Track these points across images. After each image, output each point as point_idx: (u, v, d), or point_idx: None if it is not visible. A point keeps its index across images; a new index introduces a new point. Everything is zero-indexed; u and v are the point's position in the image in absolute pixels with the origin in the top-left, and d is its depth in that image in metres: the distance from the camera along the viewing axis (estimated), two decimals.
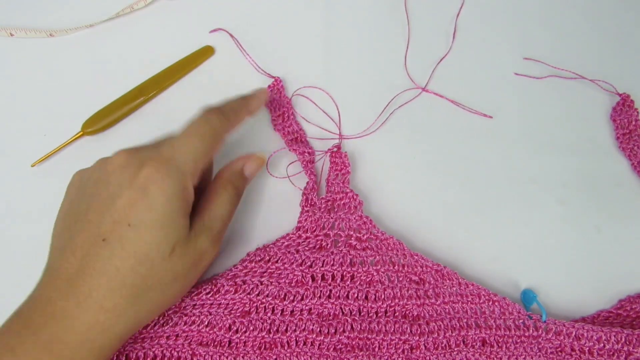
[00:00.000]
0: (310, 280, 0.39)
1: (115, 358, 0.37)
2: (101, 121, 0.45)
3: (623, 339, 0.38)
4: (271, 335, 0.38)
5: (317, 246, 0.40)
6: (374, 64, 0.49)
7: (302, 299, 0.39)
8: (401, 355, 0.38)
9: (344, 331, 0.38)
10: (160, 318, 0.39)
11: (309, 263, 0.39)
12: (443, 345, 0.39)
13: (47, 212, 0.41)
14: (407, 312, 0.39)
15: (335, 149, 0.43)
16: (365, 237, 0.40)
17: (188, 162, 0.34)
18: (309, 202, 0.41)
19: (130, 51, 0.49)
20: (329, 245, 0.40)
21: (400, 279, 0.40)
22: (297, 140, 0.45)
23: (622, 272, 0.44)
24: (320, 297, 0.39)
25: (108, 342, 0.33)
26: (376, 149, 0.45)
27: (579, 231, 0.44)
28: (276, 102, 0.47)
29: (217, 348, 0.38)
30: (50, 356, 0.31)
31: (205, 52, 0.49)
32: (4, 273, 0.41)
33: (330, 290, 0.39)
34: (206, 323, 0.39)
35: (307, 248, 0.40)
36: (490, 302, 0.39)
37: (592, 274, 0.43)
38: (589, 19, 0.52)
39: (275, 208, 0.43)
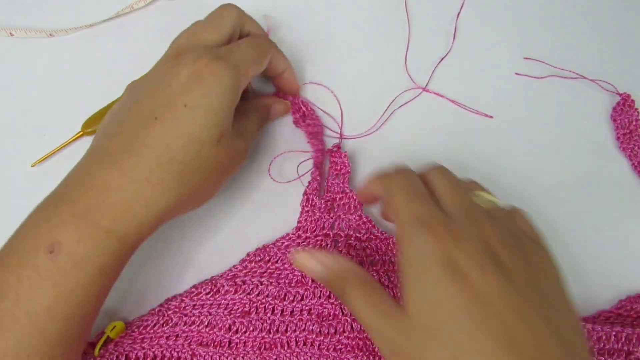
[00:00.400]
0: (310, 280, 0.39)
1: (115, 358, 0.38)
2: (101, 121, 0.45)
3: (623, 339, 0.38)
4: (271, 336, 0.38)
5: (317, 246, 0.40)
6: (374, 64, 0.49)
7: (302, 299, 0.39)
8: None
9: (343, 331, 0.38)
10: (160, 318, 0.39)
11: None
12: None
13: None
14: None
15: (335, 149, 0.43)
16: (365, 237, 0.40)
17: (242, 63, 0.36)
18: (310, 202, 0.41)
19: (130, 51, 0.49)
20: (329, 245, 0.40)
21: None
22: (316, 135, 0.44)
23: (622, 272, 0.44)
24: (320, 297, 0.39)
25: (149, 218, 0.33)
26: (376, 149, 0.45)
27: (579, 231, 0.44)
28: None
29: (217, 348, 0.38)
30: (87, 225, 0.31)
31: None
32: None
33: (330, 291, 0.39)
34: (206, 323, 0.39)
35: (307, 248, 0.40)
36: None
37: (593, 274, 0.43)
38: (589, 19, 0.52)
39: (275, 208, 0.43)
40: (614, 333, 0.38)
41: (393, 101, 0.47)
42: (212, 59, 0.34)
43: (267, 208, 0.43)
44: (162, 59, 0.38)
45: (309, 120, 0.44)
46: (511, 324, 0.26)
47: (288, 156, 0.44)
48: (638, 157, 0.46)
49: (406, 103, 0.47)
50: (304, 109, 0.45)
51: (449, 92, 0.48)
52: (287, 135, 0.46)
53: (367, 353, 0.38)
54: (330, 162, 0.43)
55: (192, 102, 0.33)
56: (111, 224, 0.32)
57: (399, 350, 0.28)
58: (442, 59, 0.49)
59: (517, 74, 0.49)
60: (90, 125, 0.45)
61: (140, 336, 0.38)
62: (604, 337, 0.38)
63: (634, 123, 0.47)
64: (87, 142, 0.45)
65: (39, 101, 0.47)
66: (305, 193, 0.41)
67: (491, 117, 0.47)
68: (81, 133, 0.45)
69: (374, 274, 0.40)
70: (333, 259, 0.33)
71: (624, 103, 0.47)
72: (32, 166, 0.44)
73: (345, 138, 0.45)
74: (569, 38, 0.51)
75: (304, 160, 0.44)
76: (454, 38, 0.50)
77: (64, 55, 0.49)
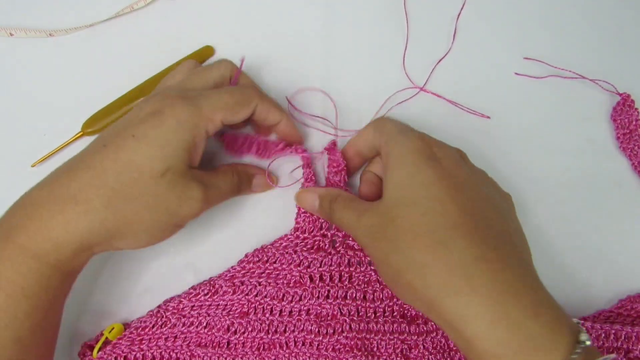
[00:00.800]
0: (309, 280, 0.39)
1: (115, 357, 0.38)
2: (101, 121, 0.45)
3: (622, 337, 0.38)
4: (270, 336, 0.38)
5: (315, 247, 0.40)
6: (373, 63, 0.49)
7: (300, 300, 0.39)
8: (399, 355, 0.38)
9: (342, 331, 0.38)
10: (158, 319, 0.39)
11: (306, 263, 0.39)
12: (441, 344, 0.39)
13: None
14: (405, 312, 0.39)
15: (331, 146, 0.43)
16: None
17: (209, 106, 0.35)
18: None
19: (130, 51, 0.49)
20: (327, 245, 0.40)
21: None
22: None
23: (622, 272, 0.43)
24: (318, 297, 0.39)
25: (68, 238, 0.31)
26: None
27: (579, 231, 0.44)
28: None
29: (216, 349, 0.38)
30: (6, 243, 0.31)
31: (205, 52, 0.48)
32: None
33: (329, 291, 0.39)
34: (204, 324, 0.39)
35: (304, 249, 0.40)
36: None
37: (593, 274, 0.43)
38: (589, 19, 0.52)
39: (274, 210, 0.43)
40: (613, 331, 0.38)
41: (389, 98, 0.47)
42: (177, 98, 0.34)
43: (266, 210, 0.43)
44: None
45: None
46: (475, 203, 0.32)
47: (286, 159, 0.44)
48: (638, 157, 0.46)
49: (403, 101, 0.47)
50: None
51: (448, 92, 0.48)
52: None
53: (365, 353, 0.38)
54: (328, 159, 0.43)
55: (141, 133, 0.33)
56: (27, 241, 0.31)
57: (378, 230, 0.33)
58: (440, 59, 0.49)
59: (517, 74, 0.49)
60: (90, 125, 0.45)
61: (139, 337, 0.38)
62: (603, 336, 0.38)
63: (634, 123, 0.46)
64: (87, 142, 0.45)
65: (39, 101, 0.47)
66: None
67: (488, 117, 0.47)
68: (81, 133, 0.45)
69: (372, 273, 0.40)
70: (324, 189, 0.39)
71: (623, 103, 0.47)
72: (32, 166, 0.44)
73: (342, 137, 0.45)
74: (569, 38, 0.51)
75: (297, 168, 0.44)
76: (453, 39, 0.50)
77: (64, 55, 0.49)
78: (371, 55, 0.49)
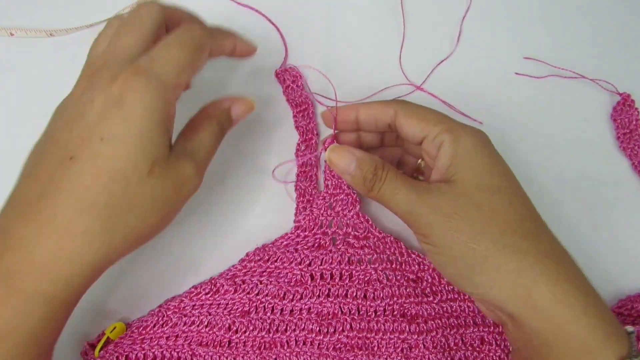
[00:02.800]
0: (310, 279, 0.39)
1: (115, 359, 0.38)
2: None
3: None
4: (271, 335, 0.38)
5: (316, 245, 0.40)
6: (373, 60, 0.49)
7: (301, 298, 0.39)
8: (400, 354, 0.38)
9: (343, 330, 0.38)
10: (160, 319, 0.39)
11: (307, 262, 0.40)
12: (442, 344, 0.39)
13: None
14: (405, 311, 0.39)
15: (329, 141, 0.43)
16: (362, 235, 0.40)
17: (169, 72, 0.30)
18: (306, 199, 0.41)
19: None
20: (327, 243, 0.40)
21: (398, 277, 0.40)
22: (310, 140, 0.45)
23: (622, 272, 0.44)
24: (319, 296, 0.39)
25: (78, 272, 0.29)
26: None
27: (578, 231, 0.44)
28: (297, 97, 0.46)
29: (217, 348, 0.38)
30: (7, 289, 0.28)
31: None
32: None
33: (329, 289, 0.39)
34: (206, 323, 0.39)
35: (305, 247, 0.40)
36: None
37: (593, 274, 0.43)
38: (589, 20, 0.52)
39: (274, 209, 0.43)
40: None
41: (381, 91, 0.47)
42: (130, 76, 0.29)
43: (266, 209, 0.44)
44: (79, 76, 0.33)
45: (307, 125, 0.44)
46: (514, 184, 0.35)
47: (284, 156, 0.44)
48: (638, 157, 0.46)
49: (399, 97, 0.47)
50: (288, 82, 0.45)
51: (447, 93, 0.48)
52: (285, 136, 0.46)
53: (366, 352, 0.38)
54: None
55: (110, 133, 0.28)
56: (33, 286, 0.28)
57: (455, 212, 0.32)
58: (442, 60, 0.49)
59: (517, 73, 0.49)
60: None
61: (140, 337, 0.38)
62: None
63: (634, 123, 0.47)
64: None
65: (39, 101, 0.47)
66: (296, 191, 0.42)
67: (481, 122, 0.46)
68: None
69: (372, 272, 0.40)
70: (365, 152, 0.36)
71: (624, 103, 0.47)
72: None
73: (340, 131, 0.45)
74: (569, 38, 0.51)
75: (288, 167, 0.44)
76: (458, 40, 0.50)
77: (64, 55, 0.48)
78: (371, 52, 0.49)
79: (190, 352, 0.38)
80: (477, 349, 0.39)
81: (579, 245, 0.43)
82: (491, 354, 0.39)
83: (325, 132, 0.46)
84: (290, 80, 0.46)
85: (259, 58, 0.47)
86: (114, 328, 0.39)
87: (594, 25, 0.51)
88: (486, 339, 0.39)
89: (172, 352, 0.39)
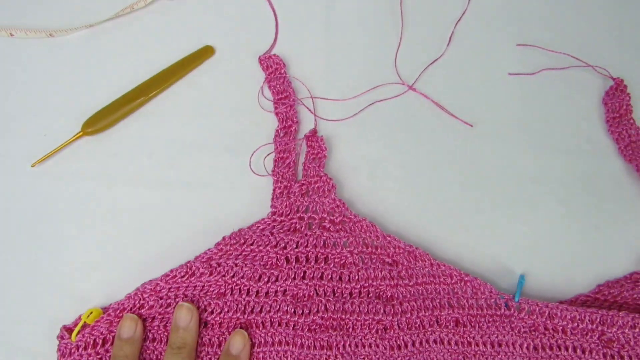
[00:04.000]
0: (285, 261, 0.40)
1: (92, 342, 0.38)
2: (101, 121, 0.45)
3: (597, 319, 0.39)
4: (246, 316, 0.39)
5: (292, 229, 0.41)
6: (367, 57, 0.50)
7: (276, 280, 0.40)
8: (375, 335, 0.38)
9: (317, 312, 0.39)
10: (136, 301, 0.39)
11: (283, 245, 0.40)
12: (417, 325, 0.39)
13: (46, 212, 0.43)
14: (380, 293, 0.40)
15: (311, 134, 0.44)
16: (338, 219, 0.41)
17: None
18: (282, 186, 0.42)
19: (130, 51, 0.49)
20: (303, 227, 0.41)
21: (374, 260, 0.40)
22: (290, 127, 0.45)
23: (601, 256, 0.44)
24: (294, 278, 0.39)
25: None
26: (354, 136, 0.46)
27: (561, 215, 0.45)
28: (279, 84, 0.47)
29: None
30: None
31: (205, 52, 0.49)
32: (3, 272, 0.42)
33: (305, 272, 0.40)
34: None
35: (281, 231, 0.40)
36: (463, 283, 0.40)
37: (572, 256, 0.44)
38: (582, 8, 0.52)
39: (252, 196, 0.44)
40: (588, 314, 0.39)
41: (373, 89, 0.48)
42: None
43: (246, 196, 0.44)
44: None
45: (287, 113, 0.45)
46: None
47: (267, 148, 0.45)
48: (625, 141, 0.46)
49: (390, 98, 0.48)
50: (272, 69, 0.47)
51: (441, 93, 0.48)
52: (266, 122, 0.47)
53: (341, 332, 0.38)
54: (307, 146, 0.43)
55: None
56: None
57: None
58: (433, 62, 0.49)
59: (510, 74, 0.49)
60: (90, 125, 0.45)
61: (117, 319, 0.39)
62: (578, 317, 0.39)
63: (624, 107, 0.47)
64: (86, 142, 0.45)
65: (39, 101, 0.47)
66: (274, 177, 0.42)
67: (471, 125, 0.47)
68: (81, 133, 0.45)
69: (348, 255, 0.40)
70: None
71: (616, 88, 0.47)
72: (32, 166, 0.44)
73: (327, 119, 0.46)
74: (564, 24, 0.51)
75: (269, 153, 0.45)
76: (449, 41, 0.50)
77: (64, 55, 0.49)
78: (366, 49, 0.50)
79: (166, 334, 0.39)
80: (452, 330, 0.39)
81: (560, 227, 0.44)
82: (466, 335, 0.39)
83: (305, 119, 0.47)
84: (273, 67, 0.47)
85: (249, 44, 0.48)
86: (91, 313, 0.39)
87: (588, 12, 0.52)
88: (461, 321, 0.39)
89: (148, 334, 0.39)
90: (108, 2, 0.50)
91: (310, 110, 0.47)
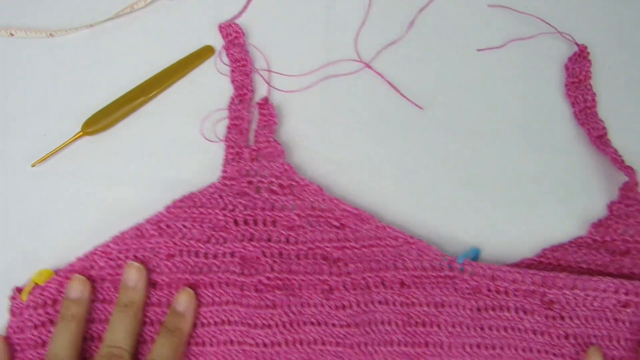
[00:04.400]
0: (233, 224, 0.41)
1: (42, 302, 0.39)
2: (101, 121, 0.45)
3: (539, 281, 0.39)
4: (194, 277, 0.39)
5: (241, 192, 0.41)
6: (330, 36, 0.50)
7: (225, 242, 0.40)
8: (320, 296, 0.39)
9: (264, 272, 0.39)
10: (86, 263, 0.40)
11: (231, 207, 0.41)
12: (362, 286, 0.40)
13: (46, 212, 0.43)
14: (327, 255, 0.40)
15: (263, 101, 0.44)
16: (286, 183, 0.41)
17: None
18: (234, 151, 0.43)
19: (130, 51, 0.49)
20: (252, 191, 0.41)
21: (321, 223, 0.41)
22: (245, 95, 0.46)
23: (553, 219, 0.44)
24: (242, 240, 0.40)
25: None
26: (307, 107, 0.47)
27: (510, 178, 0.45)
28: (237, 52, 0.47)
29: None
30: None
31: (205, 52, 0.49)
32: (4, 273, 0.42)
33: (253, 234, 0.40)
34: None
35: (230, 194, 0.41)
36: (408, 245, 0.40)
37: (526, 220, 0.44)
38: None
39: (205, 162, 0.44)
40: (529, 275, 0.39)
41: (329, 64, 0.48)
42: None
43: (198, 162, 0.45)
44: None
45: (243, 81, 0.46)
46: None
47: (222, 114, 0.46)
48: (580, 105, 0.47)
49: (346, 74, 0.48)
50: (231, 37, 0.47)
51: (399, 76, 0.48)
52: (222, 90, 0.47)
53: (286, 292, 0.39)
54: (259, 113, 0.44)
55: None
56: None
57: None
58: (394, 42, 0.49)
59: (479, 50, 0.49)
60: (90, 125, 0.45)
61: (67, 280, 0.39)
62: (520, 279, 0.39)
63: (584, 73, 0.48)
64: (87, 142, 0.45)
65: (39, 101, 0.47)
66: (228, 145, 0.43)
67: (421, 108, 0.47)
68: (81, 133, 0.45)
69: (296, 218, 0.41)
70: None
71: (579, 54, 0.48)
72: (32, 166, 0.44)
73: (287, 91, 0.47)
74: None
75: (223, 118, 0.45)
76: (411, 25, 0.50)
77: (64, 55, 0.49)
78: (329, 29, 0.50)
79: (116, 295, 0.39)
80: (397, 292, 0.40)
81: (517, 188, 0.45)
82: (410, 296, 0.40)
83: (260, 88, 0.47)
84: (232, 35, 0.47)
85: (214, 9, 0.49)
86: (42, 274, 0.40)
87: None
88: (405, 282, 0.40)
89: (98, 295, 0.39)
90: (108, 2, 0.50)
91: (264, 78, 0.47)
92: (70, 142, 0.45)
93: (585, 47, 0.48)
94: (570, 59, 0.48)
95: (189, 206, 0.41)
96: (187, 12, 0.50)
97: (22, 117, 0.46)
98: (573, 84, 0.47)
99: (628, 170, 0.43)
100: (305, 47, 0.49)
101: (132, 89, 0.46)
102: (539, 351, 0.39)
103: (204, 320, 0.39)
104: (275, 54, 0.49)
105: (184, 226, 0.40)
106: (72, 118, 0.45)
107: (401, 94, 0.48)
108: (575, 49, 0.48)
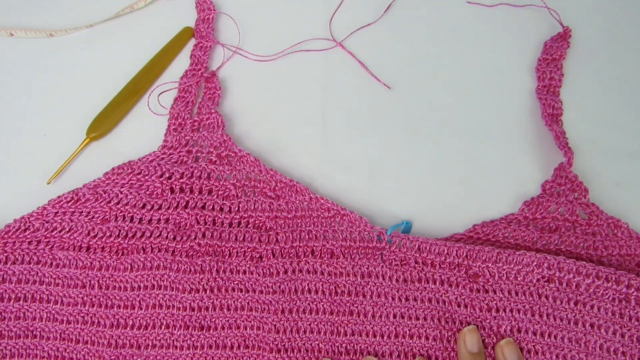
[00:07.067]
0: (169, 191, 0.41)
1: None
2: (103, 124, 0.45)
3: (464, 254, 0.40)
4: (127, 241, 0.40)
5: (179, 161, 0.42)
6: (303, 16, 0.51)
7: (159, 209, 0.41)
8: (249, 263, 0.40)
9: (195, 238, 0.40)
10: (22, 224, 0.40)
11: (168, 175, 0.42)
12: (291, 254, 0.41)
13: None
14: (260, 224, 0.41)
15: (209, 74, 0.46)
16: (224, 154, 0.42)
17: None
18: (176, 122, 0.44)
19: (130, 51, 0.49)
20: (190, 160, 0.42)
21: (256, 193, 0.42)
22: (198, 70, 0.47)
23: (491, 201, 0.45)
24: (177, 207, 0.41)
25: None
26: (275, 78, 0.48)
27: (472, 142, 0.47)
28: (203, 29, 0.49)
29: (76, 252, 0.40)
30: None
31: (186, 33, 0.50)
32: None
33: (188, 202, 0.41)
34: (67, 229, 0.41)
35: (168, 162, 0.42)
36: (339, 217, 0.41)
37: (458, 205, 0.45)
38: None
39: (149, 130, 0.45)
40: (455, 248, 0.40)
41: (302, 42, 0.49)
42: None
43: (144, 131, 0.46)
44: None
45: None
46: None
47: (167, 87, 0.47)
48: (544, 81, 0.48)
49: (316, 50, 0.49)
50: (204, 14, 0.49)
51: (371, 58, 0.49)
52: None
53: (215, 258, 0.40)
54: (205, 87, 0.45)
55: None
56: None
57: None
58: (369, 24, 0.50)
59: (468, 2, 0.51)
60: (94, 129, 0.45)
61: (3, 241, 0.40)
62: (445, 251, 0.40)
63: (559, 53, 0.49)
64: (94, 148, 0.46)
65: (38, 101, 0.48)
66: (171, 116, 0.44)
67: (389, 87, 0.48)
68: (87, 140, 0.45)
69: (231, 188, 0.42)
70: None
71: (562, 35, 0.50)
72: (48, 184, 0.44)
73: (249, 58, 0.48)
74: None
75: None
76: (388, 7, 0.51)
77: (64, 55, 0.49)
78: (304, 9, 0.51)
79: (50, 256, 0.40)
80: (327, 261, 0.41)
81: (456, 167, 0.46)
82: (338, 266, 0.40)
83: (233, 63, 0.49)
84: (205, 10, 0.49)
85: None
86: None
87: None
88: (335, 253, 0.41)
89: (32, 256, 0.40)
90: (108, 2, 0.50)
91: (229, 48, 0.48)
92: (79, 151, 0.45)
93: (569, 30, 0.50)
94: (552, 38, 0.50)
95: (127, 173, 0.42)
96: (187, 12, 0.51)
97: (22, 117, 0.47)
98: (545, 60, 0.49)
99: (568, 151, 0.44)
100: (280, 26, 0.50)
101: (125, 84, 0.47)
102: (461, 323, 0.40)
103: (135, 284, 0.40)
104: (251, 29, 0.50)
105: (121, 192, 0.41)
106: (72, 118, 0.46)
107: (370, 73, 0.49)
108: (560, 29, 0.50)
